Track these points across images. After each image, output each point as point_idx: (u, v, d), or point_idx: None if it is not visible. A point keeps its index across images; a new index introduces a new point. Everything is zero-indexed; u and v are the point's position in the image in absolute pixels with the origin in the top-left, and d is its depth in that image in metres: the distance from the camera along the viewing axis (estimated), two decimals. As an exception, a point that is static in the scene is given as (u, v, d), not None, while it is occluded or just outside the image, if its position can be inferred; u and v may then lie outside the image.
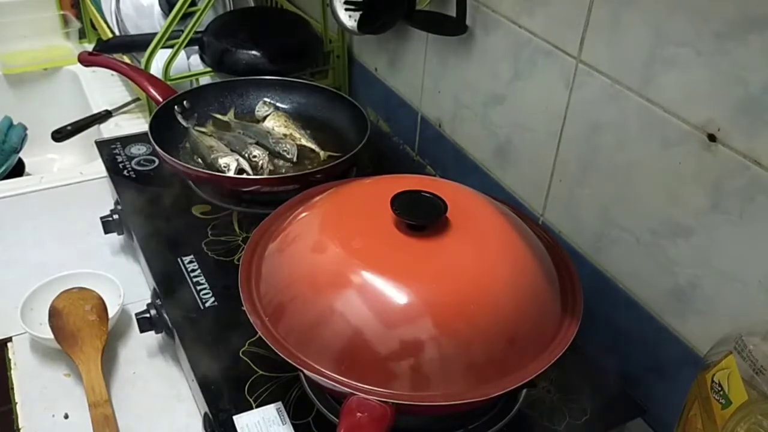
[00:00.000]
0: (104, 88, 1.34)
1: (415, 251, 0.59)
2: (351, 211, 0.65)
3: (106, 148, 1.03)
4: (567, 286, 0.65)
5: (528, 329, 0.59)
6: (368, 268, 0.57)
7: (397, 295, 0.56)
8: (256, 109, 1.06)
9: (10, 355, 0.80)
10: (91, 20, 1.46)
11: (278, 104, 1.08)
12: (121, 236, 0.94)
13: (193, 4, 1.10)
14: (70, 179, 1.07)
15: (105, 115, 1.24)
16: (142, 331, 0.77)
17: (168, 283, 0.79)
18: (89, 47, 1.41)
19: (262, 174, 0.93)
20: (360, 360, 0.56)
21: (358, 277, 0.57)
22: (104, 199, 1.01)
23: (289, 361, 0.57)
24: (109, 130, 1.20)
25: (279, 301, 0.61)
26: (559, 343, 0.59)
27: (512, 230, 0.64)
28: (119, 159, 1.00)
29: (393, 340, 0.55)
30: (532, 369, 0.57)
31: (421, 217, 0.60)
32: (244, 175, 0.91)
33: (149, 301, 0.79)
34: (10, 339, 0.81)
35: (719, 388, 0.52)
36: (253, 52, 1.13)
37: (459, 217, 0.62)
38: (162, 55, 1.10)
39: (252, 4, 1.35)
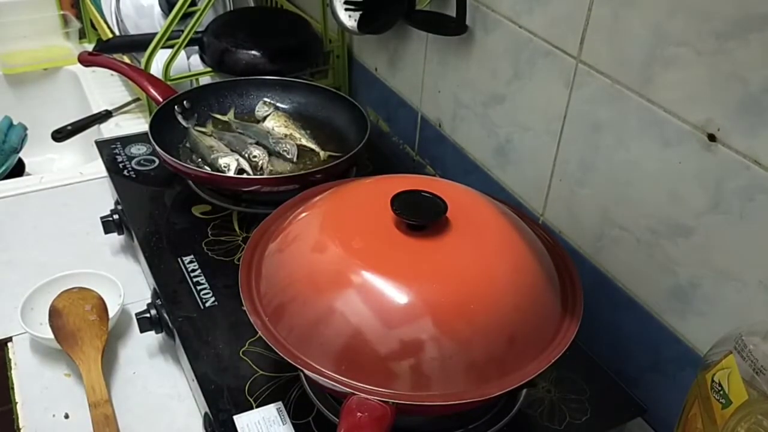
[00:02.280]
0: (104, 88, 1.34)
1: (415, 251, 0.59)
2: (351, 211, 0.65)
3: (106, 148, 1.03)
4: (567, 286, 0.65)
5: (528, 329, 0.59)
6: (368, 268, 0.57)
7: (397, 295, 0.56)
8: (256, 109, 1.06)
9: (10, 355, 0.80)
10: (91, 20, 1.46)
11: (278, 104, 1.08)
12: (121, 236, 0.94)
13: (193, 4, 1.10)
14: (70, 179, 1.07)
15: (105, 115, 1.24)
16: (142, 331, 0.77)
17: (168, 282, 0.79)
18: (89, 47, 1.41)
19: (262, 174, 0.93)
20: (360, 360, 0.55)
21: (358, 277, 0.57)
22: (104, 199, 1.01)
23: (290, 361, 0.57)
24: (109, 130, 1.20)
25: (279, 300, 0.61)
26: (559, 343, 0.59)
27: (512, 230, 0.64)
28: (119, 159, 1.00)
29: (393, 339, 0.55)
30: (532, 369, 0.57)
31: (421, 217, 0.60)
32: (244, 175, 0.91)
33: (149, 301, 0.79)
34: (10, 339, 0.81)
35: (719, 388, 0.52)
36: (253, 52, 1.13)
37: (459, 217, 0.62)
38: (162, 55, 1.10)
39: (252, 4, 1.35)
